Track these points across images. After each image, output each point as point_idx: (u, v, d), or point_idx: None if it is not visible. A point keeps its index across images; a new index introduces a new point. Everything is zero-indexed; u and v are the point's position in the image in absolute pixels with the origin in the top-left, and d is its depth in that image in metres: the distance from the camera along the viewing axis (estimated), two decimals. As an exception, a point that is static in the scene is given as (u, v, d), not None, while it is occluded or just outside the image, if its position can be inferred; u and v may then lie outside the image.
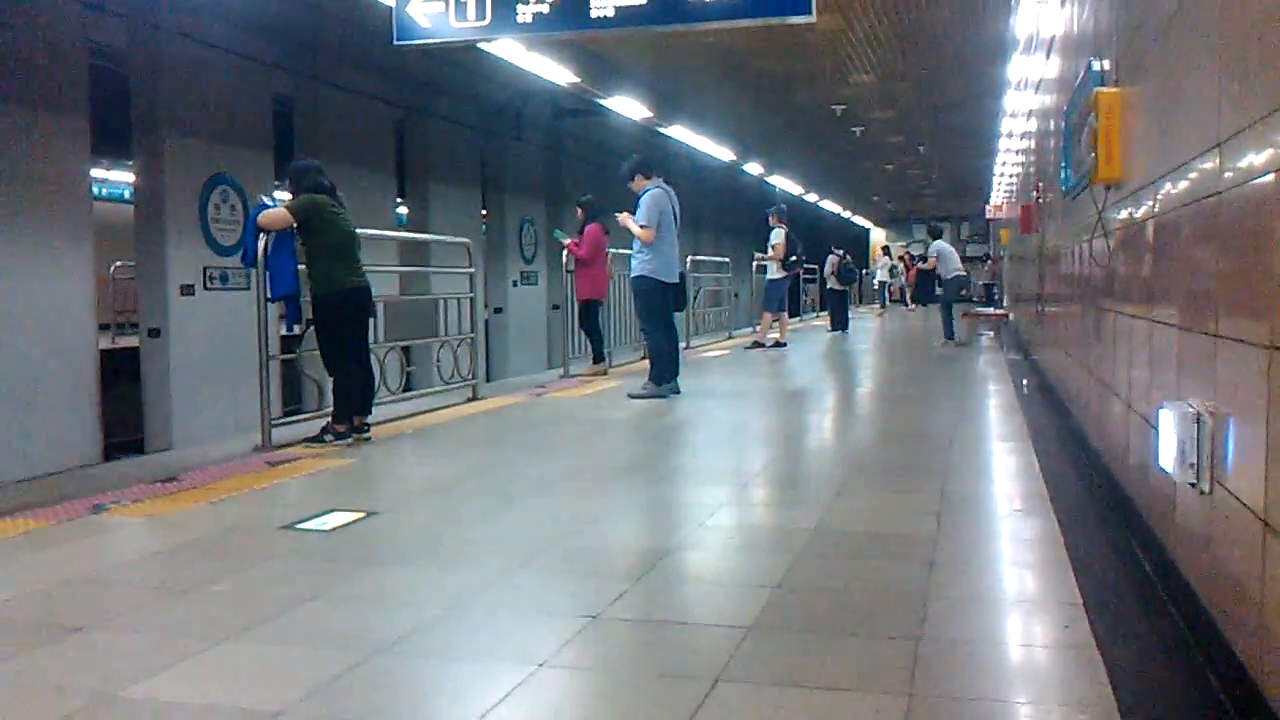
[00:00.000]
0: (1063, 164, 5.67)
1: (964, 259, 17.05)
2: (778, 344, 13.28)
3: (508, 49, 9.32)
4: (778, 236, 13.23)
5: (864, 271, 30.47)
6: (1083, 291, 5.54)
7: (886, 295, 26.98)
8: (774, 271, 13.39)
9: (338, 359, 6.10)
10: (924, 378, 10.34)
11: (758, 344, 13.28)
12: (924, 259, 18.19)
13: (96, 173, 14.79)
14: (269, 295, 6.02)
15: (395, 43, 6.76)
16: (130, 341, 12.66)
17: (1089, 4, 5.31)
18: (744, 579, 3.34)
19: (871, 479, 4.96)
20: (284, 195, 6.30)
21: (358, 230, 6.29)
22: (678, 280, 8.50)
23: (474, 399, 8.24)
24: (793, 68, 14.05)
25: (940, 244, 14.89)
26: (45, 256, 8.82)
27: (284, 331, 6.69)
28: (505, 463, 5.48)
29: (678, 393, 8.17)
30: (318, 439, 6.04)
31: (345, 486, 4.98)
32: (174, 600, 3.11)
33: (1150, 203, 3.27)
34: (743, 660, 2.54)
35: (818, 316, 23.47)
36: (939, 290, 15.94)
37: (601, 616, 2.88)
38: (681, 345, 9.27)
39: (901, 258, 30.00)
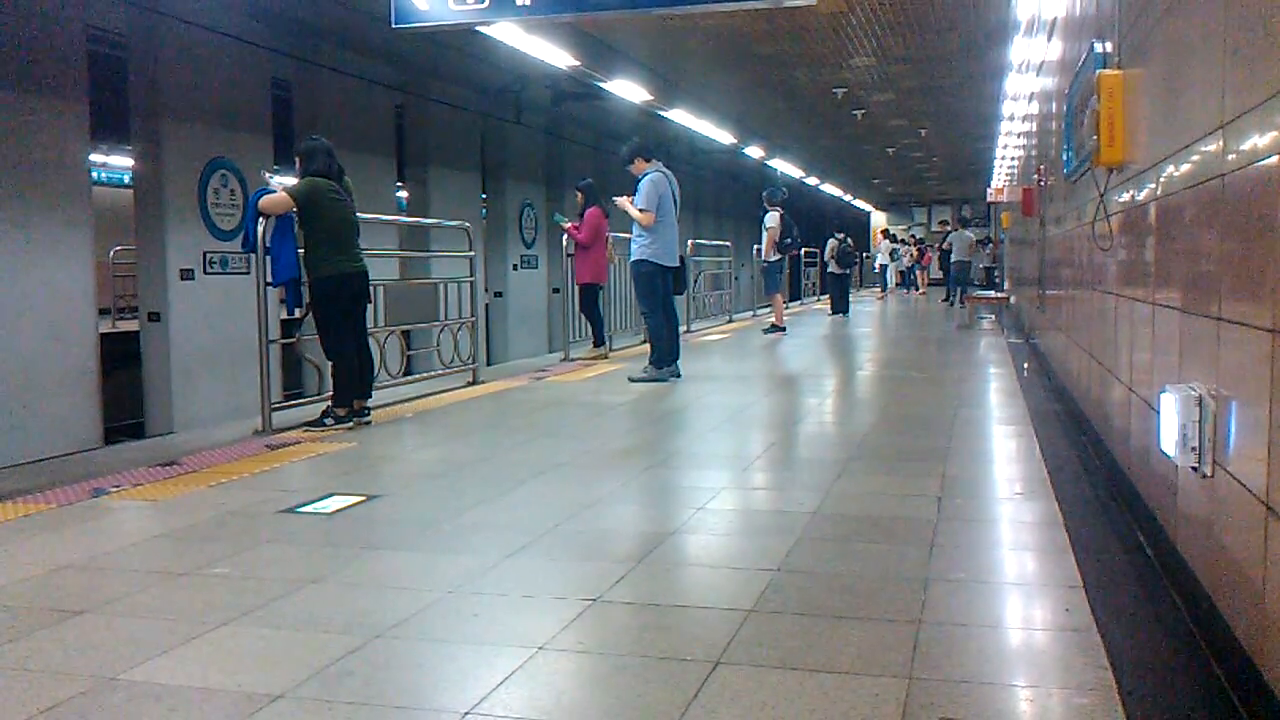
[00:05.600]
0: (1064, 147, 5.65)
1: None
2: (775, 327, 13.30)
3: (507, 32, 9.27)
4: (771, 220, 13.33)
5: (865, 255, 30.44)
6: (1084, 275, 5.53)
7: (887, 279, 26.95)
8: (768, 254, 13.51)
9: (336, 343, 6.09)
10: (924, 361, 10.33)
11: (776, 326, 13.33)
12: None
13: (95, 157, 14.77)
14: (270, 280, 6.01)
15: (394, 25, 6.73)
16: (130, 326, 12.67)
17: (1092, -15, 5.28)
18: (744, 562, 3.33)
19: (872, 462, 4.96)
20: (280, 179, 6.27)
21: (358, 215, 6.28)
22: (678, 264, 8.49)
23: (474, 383, 8.24)
24: (793, 50, 13.99)
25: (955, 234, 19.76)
26: (45, 241, 8.80)
27: (284, 315, 6.69)
28: (505, 446, 5.48)
29: (678, 376, 8.18)
30: (318, 423, 6.04)
31: (345, 470, 4.98)
32: (174, 584, 3.11)
33: (1153, 185, 3.26)
34: (743, 643, 2.54)
35: (818, 300, 23.45)
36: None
37: (601, 599, 2.89)
38: (682, 329, 9.26)
39: (904, 241, 29.99)
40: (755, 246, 14.74)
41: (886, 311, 19.76)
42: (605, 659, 2.50)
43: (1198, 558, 2.63)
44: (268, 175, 6.30)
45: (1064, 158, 5.72)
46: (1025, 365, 9.05)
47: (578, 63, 11.77)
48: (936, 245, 25.50)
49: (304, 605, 2.91)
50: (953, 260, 20.92)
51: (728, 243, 18.07)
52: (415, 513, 4.07)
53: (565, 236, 10.12)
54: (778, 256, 13.56)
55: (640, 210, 8.10)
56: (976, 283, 21.08)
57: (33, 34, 8.71)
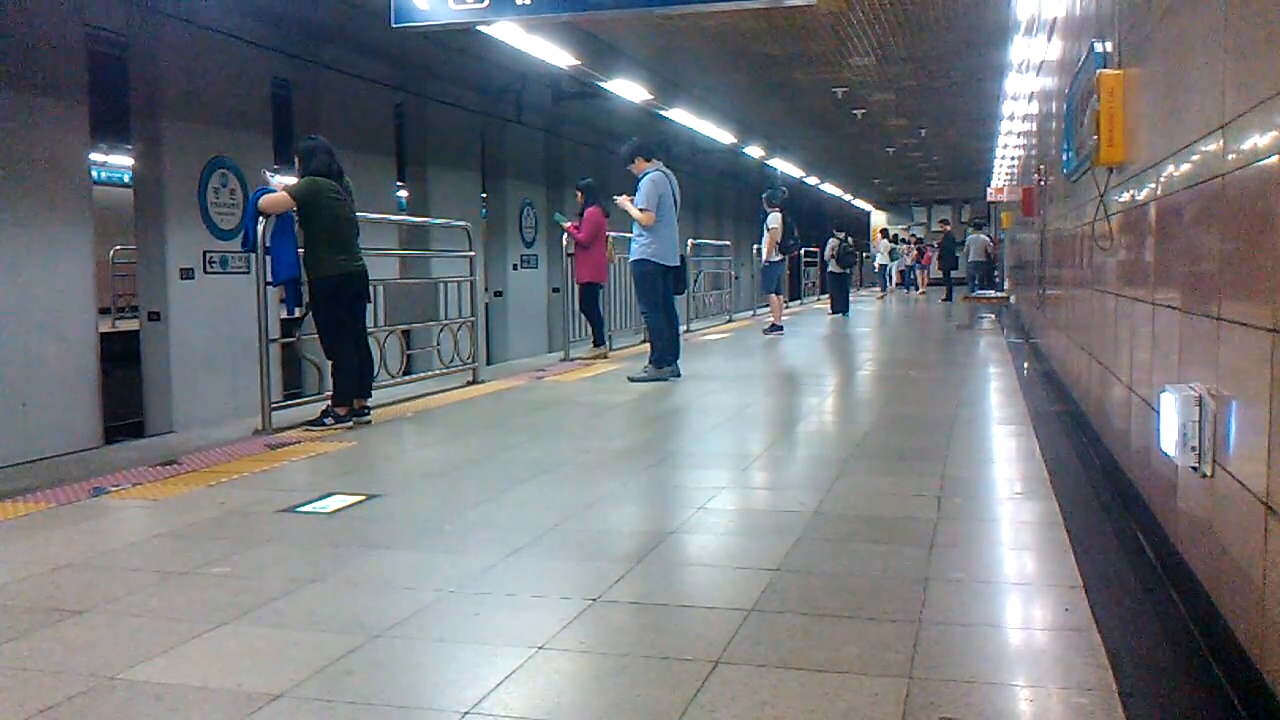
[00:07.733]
0: (1064, 146, 5.65)
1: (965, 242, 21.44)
2: (775, 326, 13.31)
3: (507, 31, 9.26)
4: (774, 221, 13.34)
5: (864, 254, 30.44)
6: (1084, 274, 5.53)
7: (887, 278, 26.94)
8: (769, 254, 13.52)
9: (336, 342, 6.09)
10: (924, 361, 10.33)
11: (775, 326, 13.34)
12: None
13: (95, 157, 14.76)
14: (270, 279, 6.01)
15: (393, 25, 6.73)
16: (130, 325, 12.66)
17: (1092, -15, 5.28)
18: (744, 562, 3.34)
19: (872, 462, 4.96)
20: (280, 178, 6.27)
21: (357, 214, 6.28)
22: (678, 263, 8.49)
23: (474, 382, 8.24)
24: (793, 50, 13.99)
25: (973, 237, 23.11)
26: (45, 240, 8.80)
27: (284, 315, 6.69)
28: (505, 446, 5.48)
29: (678, 376, 8.18)
30: (318, 422, 6.04)
31: (345, 469, 4.98)
32: (174, 583, 3.11)
33: (1153, 185, 3.26)
34: (743, 642, 2.54)
35: (818, 299, 23.45)
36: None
37: (602, 599, 2.89)
38: (682, 329, 9.26)
39: (904, 240, 29.99)
40: (755, 246, 14.75)
41: (886, 311, 19.76)
42: (605, 659, 2.50)
43: (1198, 558, 2.63)
44: (268, 174, 6.31)
45: (1064, 157, 5.71)
46: (1025, 365, 9.05)
47: (578, 62, 11.76)
48: (937, 244, 25.62)
49: (304, 605, 2.91)
50: (971, 260, 22.92)
51: (728, 242, 18.07)
52: (415, 512, 4.07)
53: (565, 236, 10.11)
54: (779, 258, 13.59)
55: (640, 210, 8.10)
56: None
57: (33, 34, 8.70)
